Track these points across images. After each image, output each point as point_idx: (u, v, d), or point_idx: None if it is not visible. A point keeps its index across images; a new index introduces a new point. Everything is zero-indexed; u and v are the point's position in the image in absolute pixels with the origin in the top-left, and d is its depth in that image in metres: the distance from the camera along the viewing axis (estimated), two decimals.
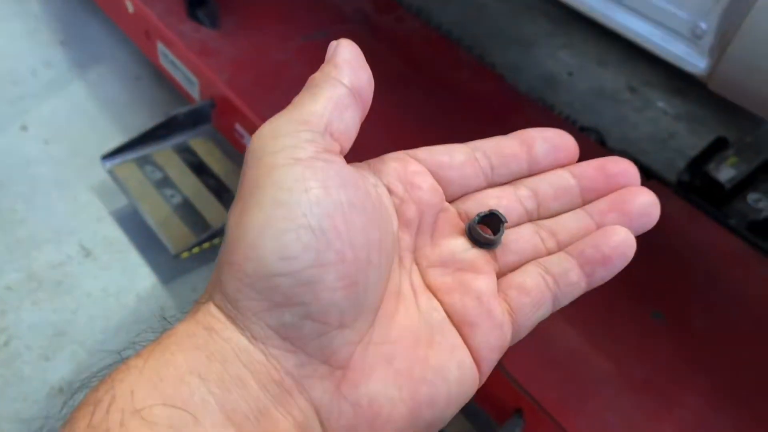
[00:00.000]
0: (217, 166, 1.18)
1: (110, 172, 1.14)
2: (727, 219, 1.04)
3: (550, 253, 0.31)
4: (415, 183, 0.30)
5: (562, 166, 0.32)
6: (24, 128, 1.30)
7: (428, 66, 1.24)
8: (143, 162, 1.16)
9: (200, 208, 1.12)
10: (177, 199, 1.12)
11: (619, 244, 0.29)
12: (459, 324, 0.29)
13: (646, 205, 0.30)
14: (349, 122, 0.27)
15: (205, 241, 1.07)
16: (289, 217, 0.24)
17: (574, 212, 0.31)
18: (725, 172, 1.10)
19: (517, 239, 0.31)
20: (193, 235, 1.07)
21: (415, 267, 0.30)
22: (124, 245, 1.14)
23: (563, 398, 0.79)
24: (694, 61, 0.68)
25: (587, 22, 0.79)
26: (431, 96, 1.17)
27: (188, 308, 0.27)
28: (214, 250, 1.11)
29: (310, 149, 0.26)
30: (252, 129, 1.09)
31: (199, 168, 1.17)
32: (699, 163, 1.13)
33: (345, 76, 0.28)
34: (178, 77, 1.25)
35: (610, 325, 0.87)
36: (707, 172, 1.10)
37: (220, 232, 1.07)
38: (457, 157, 0.31)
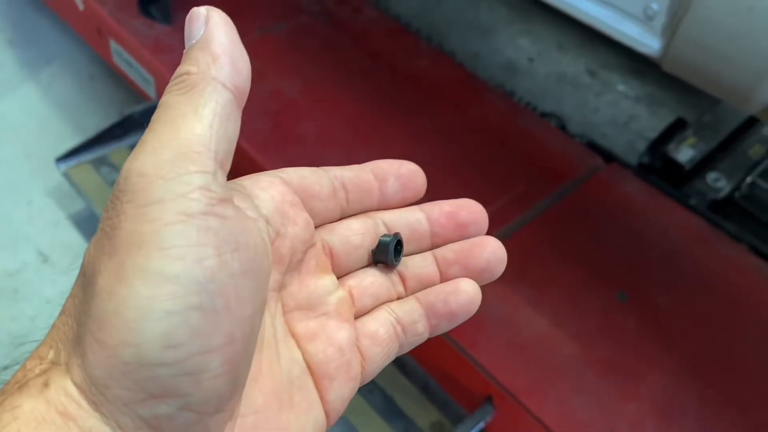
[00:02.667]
0: None
1: (65, 175, 1.11)
2: (688, 199, 1.05)
3: (399, 296, 0.31)
4: (291, 216, 0.28)
5: (409, 203, 0.33)
6: None
7: (388, 57, 1.23)
8: (99, 163, 1.13)
9: None
10: None
11: (467, 302, 0.30)
12: (318, 377, 0.28)
13: (491, 261, 0.30)
14: (232, 135, 0.24)
15: None
16: (178, 295, 0.21)
17: (423, 256, 0.32)
18: (684, 153, 1.12)
19: (372, 282, 0.31)
20: None
21: (279, 308, 0.28)
22: (82, 249, 1.10)
23: (532, 383, 0.79)
24: (647, 41, 0.68)
25: (546, 8, 0.79)
26: (391, 87, 1.16)
27: None
28: None
29: (202, 201, 0.22)
30: None
31: None
32: (659, 145, 1.14)
33: (226, 73, 0.24)
34: (133, 75, 1.22)
35: (576, 307, 0.87)
36: (667, 154, 1.12)
37: None
38: (325, 190, 0.30)
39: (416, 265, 0.31)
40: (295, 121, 1.07)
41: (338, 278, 0.30)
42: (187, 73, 0.23)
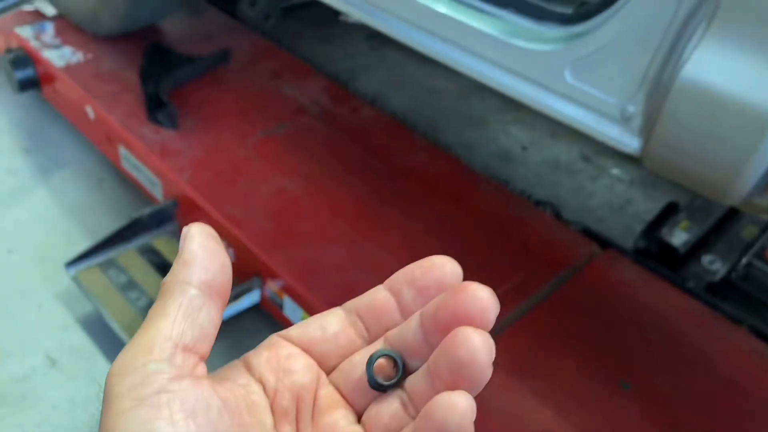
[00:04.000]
0: None
1: (74, 279, 1.14)
2: (685, 282, 1.07)
3: (411, 417, 0.29)
4: (288, 368, 0.30)
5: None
6: None
7: (386, 153, 1.28)
8: (107, 266, 1.16)
9: None
10: (142, 302, 1.12)
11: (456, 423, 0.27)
12: None
13: (478, 367, 0.27)
14: (205, 323, 0.28)
15: None
16: None
17: (423, 373, 0.29)
18: (678, 236, 1.14)
19: (379, 412, 0.29)
20: None
21: None
22: (90, 352, 1.12)
23: None
24: (626, 141, 0.72)
25: None
26: (390, 181, 1.20)
27: None
28: None
29: (156, 383, 0.25)
30: (215, 226, 1.11)
31: (163, 268, 1.17)
32: (653, 229, 1.17)
33: (194, 274, 0.28)
34: (141, 179, 1.27)
35: (579, 396, 0.87)
36: (661, 238, 1.14)
37: None
38: (331, 329, 0.31)
39: (419, 380, 0.29)
40: (297, 219, 1.11)
41: (360, 413, 0.30)
42: (164, 282, 0.28)
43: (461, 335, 0.27)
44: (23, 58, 1.45)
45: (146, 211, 1.19)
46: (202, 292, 0.28)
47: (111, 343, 1.12)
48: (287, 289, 1.02)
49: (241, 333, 1.16)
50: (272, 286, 1.05)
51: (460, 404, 0.26)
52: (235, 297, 1.07)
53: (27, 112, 1.60)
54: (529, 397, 0.87)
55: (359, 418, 0.30)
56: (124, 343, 1.07)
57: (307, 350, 0.31)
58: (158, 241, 1.21)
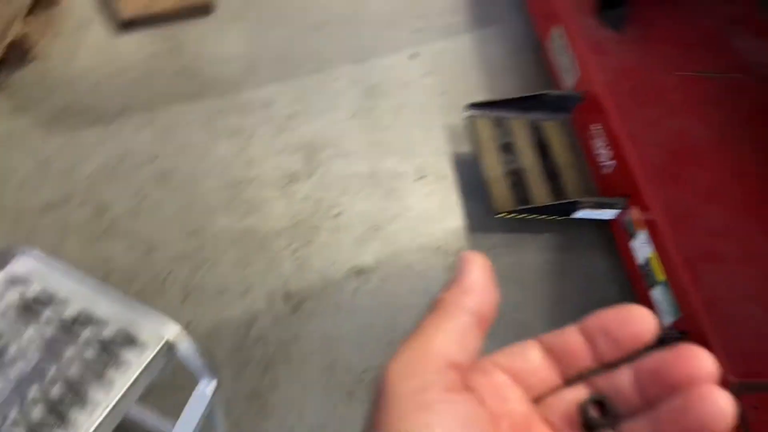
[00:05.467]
0: (559, 152, 1.24)
1: (467, 120, 1.26)
2: None
3: None
4: (504, 395, 0.31)
5: (631, 352, 0.31)
6: (414, 56, 1.49)
7: None
8: (499, 123, 1.27)
9: (530, 182, 1.19)
10: (513, 166, 1.21)
11: None
12: None
13: (708, 419, 0.27)
14: (471, 347, 0.29)
15: (522, 212, 1.14)
16: None
17: (638, 419, 0.29)
18: None
19: None
20: (514, 202, 1.16)
21: None
22: (452, 184, 1.27)
23: None
24: None
25: None
26: None
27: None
28: (524, 224, 1.19)
29: (433, 392, 0.28)
30: (610, 134, 1.13)
31: (543, 148, 1.24)
32: None
33: (471, 302, 0.30)
34: (560, 62, 1.32)
35: None
36: None
37: (539, 210, 1.14)
38: (534, 362, 0.32)
39: (638, 426, 0.29)
40: (691, 167, 1.07)
41: None
42: (441, 299, 0.30)
43: (703, 392, 0.27)
44: None
45: (554, 93, 1.25)
46: (473, 319, 0.30)
47: (471, 185, 1.26)
48: (650, 225, 1.02)
49: (579, 238, 1.21)
50: (635, 215, 1.06)
51: None
52: (597, 205, 1.10)
53: None
54: None
55: None
56: (483, 190, 1.19)
57: (515, 379, 0.32)
58: (548, 124, 1.28)
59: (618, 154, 1.11)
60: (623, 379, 0.30)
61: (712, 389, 0.27)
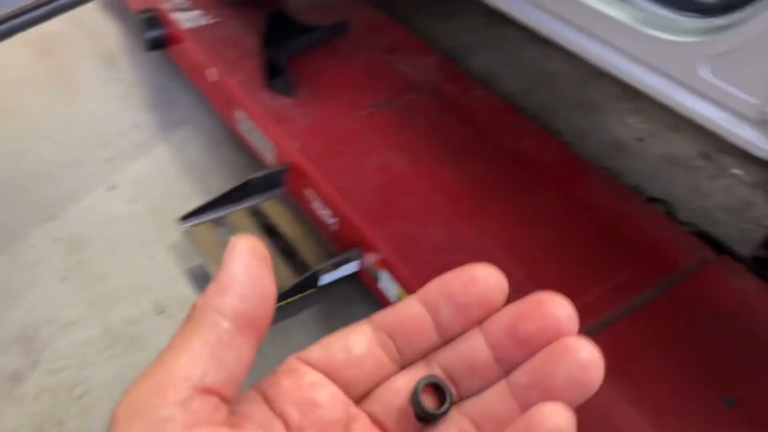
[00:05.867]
0: (287, 228, 1.22)
1: (186, 233, 1.20)
2: None
3: None
4: (313, 400, 0.26)
5: (480, 318, 0.27)
6: (112, 188, 1.39)
7: (493, 134, 1.25)
8: (219, 223, 1.22)
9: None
10: None
11: None
12: None
13: (576, 372, 0.24)
14: (233, 364, 0.24)
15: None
16: None
17: (496, 389, 0.26)
18: None
19: None
20: None
21: None
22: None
23: None
24: (762, 145, 0.67)
25: None
26: (495, 164, 1.18)
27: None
28: (281, 312, 1.14)
29: None
30: (322, 195, 1.13)
31: (269, 230, 1.22)
32: None
33: (229, 302, 0.24)
34: (255, 143, 1.32)
35: (677, 412, 0.84)
36: None
37: (285, 295, 1.11)
38: (356, 350, 0.27)
39: (488, 402, 0.26)
40: (401, 195, 1.12)
41: None
42: (194, 306, 0.25)
43: (568, 343, 0.24)
44: (154, 18, 1.52)
45: (258, 174, 1.24)
46: (235, 326, 0.24)
47: None
48: (385, 263, 1.03)
49: (336, 300, 1.19)
50: (371, 260, 1.07)
51: (558, 420, 0.23)
52: (335, 266, 1.10)
53: (153, 71, 1.68)
54: (624, 405, 0.85)
55: None
56: None
57: (331, 376, 0.27)
58: (267, 204, 1.26)
59: (336, 210, 1.12)
60: (474, 346, 0.26)
61: (573, 340, 0.24)
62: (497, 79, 1.61)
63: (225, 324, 0.24)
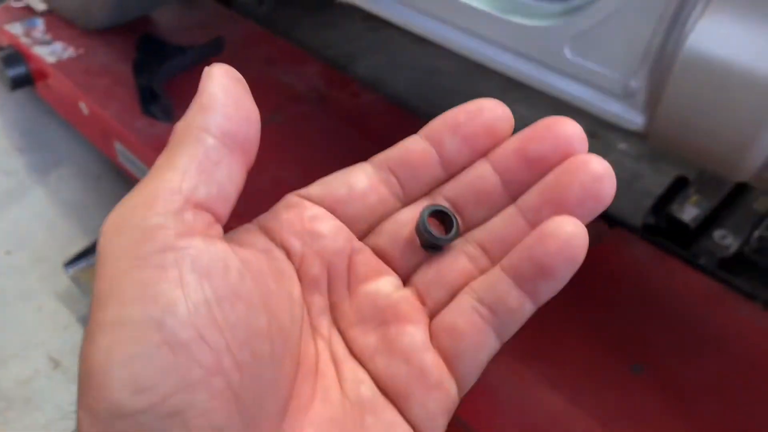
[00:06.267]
0: None
1: (73, 278, 1.12)
2: (697, 259, 1.04)
3: (483, 273, 0.26)
4: (315, 231, 0.26)
5: (488, 149, 0.26)
6: None
7: (385, 137, 1.24)
8: None
9: None
10: None
11: (561, 246, 0.23)
12: (392, 395, 0.25)
13: (587, 184, 0.24)
14: (224, 180, 0.23)
15: None
16: (137, 336, 0.20)
17: (504, 214, 0.26)
18: (688, 212, 1.11)
19: (441, 268, 0.26)
20: None
21: (335, 331, 0.26)
22: None
23: None
24: (630, 117, 0.69)
25: None
26: None
27: None
28: None
29: (157, 241, 0.21)
30: None
31: None
32: (662, 205, 1.13)
33: (213, 120, 0.23)
34: (138, 173, 1.25)
35: (589, 383, 0.85)
36: (671, 214, 1.11)
37: None
38: (358, 186, 0.27)
39: (496, 227, 0.26)
40: None
41: (405, 278, 0.27)
42: (175, 128, 0.24)
43: (580, 158, 0.24)
44: (14, 55, 1.42)
45: None
46: (222, 143, 0.23)
47: None
48: None
49: None
50: None
51: (570, 230, 0.23)
52: None
53: (21, 111, 1.58)
54: (539, 384, 0.85)
55: (405, 282, 0.27)
56: None
57: (332, 211, 0.27)
58: None
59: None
60: (481, 174, 0.26)
61: (585, 156, 0.24)
62: (385, 81, 1.61)
63: (211, 140, 0.23)
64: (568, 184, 0.24)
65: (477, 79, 1.72)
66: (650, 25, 0.63)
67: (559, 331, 0.91)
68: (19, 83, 1.44)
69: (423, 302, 0.26)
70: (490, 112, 0.26)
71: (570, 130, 0.25)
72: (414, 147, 0.27)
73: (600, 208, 0.24)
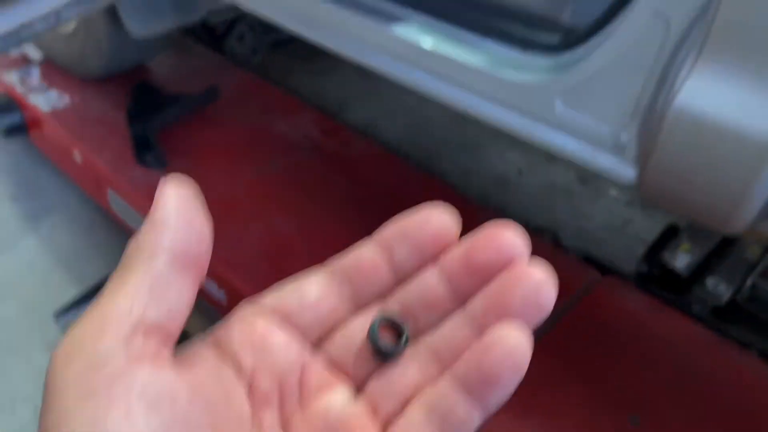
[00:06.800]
0: None
1: (64, 329, 1.11)
2: (690, 307, 1.04)
3: (434, 380, 0.26)
4: (266, 344, 0.26)
5: (435, 255, 0.27)
6: None
7: (378, 184, 1.26)
8: None
9: None
10: None
11: (505, 354, 0.24)
12: None
13: (530, 294, 0.25)
14: (175, 299, 0.24)
15: None
16: None
17: (453, 320, 0.26)
18: (681, 259, 1.11)
19: (392, 377, 0.26)
20: None
21: None
22: None
23: None
24: (621, 171, 0.70)
25: None
26: (382, 214, 1.18)
27: None
28: None
29: (107, 371, 0.21)
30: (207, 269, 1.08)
31: None
32: (654, 253, 1.14)
33: (164, 240, 0.24)
34: (130, 222, 1.25)
35: None
36: (663, 262, 1.11)
37: None
38: (310, 295, 0.27)
39: (446, 333, 0.26)
40: (290, 259, 1.08)
41: (359, 386, 0.27)
42: (127, 248, 0.24)
43: (522, 268, 0.25)
44: (8, 103, 1.43)
45: None
46: (173, 263, 0.23)
47: None
48: None
49: None
50: None
51: (513, 339, 0.24)
52: None
53: (14, 159, 1.58)
54: None
55: (359, 390, 0.27)
56: None
57: (285, 320, 0.27)
58: None
59: (222, 283, 1.07)
60: (430, 282, 0.26)
61: (526, 266, 0.25)
62: (377, 128, 1.63)
63: (161, 261, 0.23)
64: (510, 293, 0.25)
65: (468, 126, 1.74)
66: (639, 81, 0.64)
67: (552, 381, 0.91)
68: (12, 131, 1.45)
69: (376, 412, 0.26)
70: (437, 221, 0.27)
71: (511, 239, 0.26)
72: (365, 255, 0.28)
73: (542, 315, 0.25)
